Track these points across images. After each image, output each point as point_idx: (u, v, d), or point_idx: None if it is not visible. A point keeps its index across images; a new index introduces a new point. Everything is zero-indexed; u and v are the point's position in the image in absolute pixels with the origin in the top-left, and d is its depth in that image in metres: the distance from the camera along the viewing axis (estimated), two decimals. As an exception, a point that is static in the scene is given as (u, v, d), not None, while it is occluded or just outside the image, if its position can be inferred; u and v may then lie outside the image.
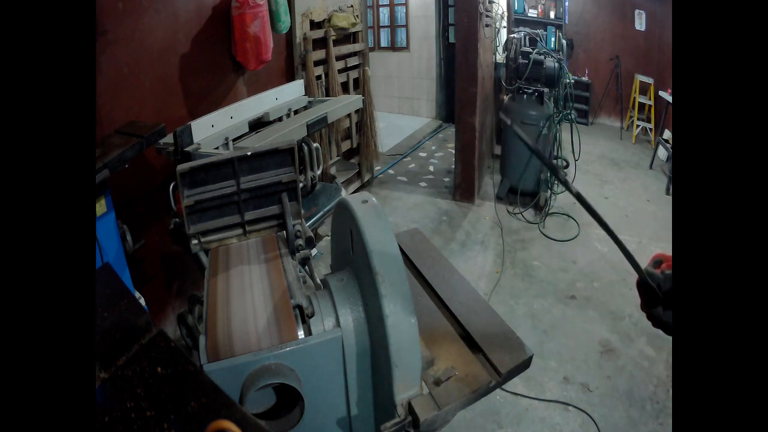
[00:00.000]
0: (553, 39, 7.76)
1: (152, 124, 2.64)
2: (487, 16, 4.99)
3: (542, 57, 4.86)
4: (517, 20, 7.41)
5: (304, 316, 1.21)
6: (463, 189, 4.86)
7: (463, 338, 1.39)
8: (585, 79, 7.97)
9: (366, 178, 5.27)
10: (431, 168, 5.98)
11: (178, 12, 3.13)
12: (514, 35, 5.31)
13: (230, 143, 2.49)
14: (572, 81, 5.13)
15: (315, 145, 2.65)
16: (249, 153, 1.50)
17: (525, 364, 1.30)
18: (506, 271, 3.88)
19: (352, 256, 1.39)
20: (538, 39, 5.43)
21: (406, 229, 4.41)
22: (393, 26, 8.30)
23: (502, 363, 1.26)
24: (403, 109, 8.16)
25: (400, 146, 6.65)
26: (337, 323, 1.25)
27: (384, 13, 8.34)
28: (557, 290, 3.69)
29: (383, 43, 8.42)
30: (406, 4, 8.04)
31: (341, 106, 2.93)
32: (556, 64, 4.82)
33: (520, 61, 4.94)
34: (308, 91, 4.06)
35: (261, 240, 1.57)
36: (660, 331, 1.05)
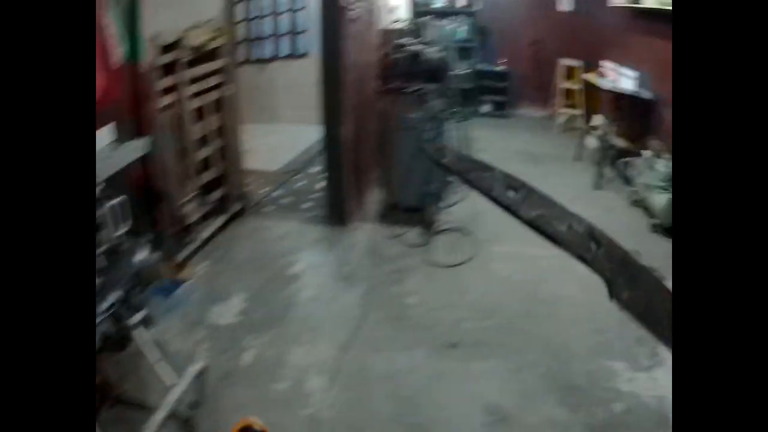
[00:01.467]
0: (464, 28, 7.16)
1: None
2: (351, 9, 4.26)
3: (420, 49, 4.16)
4: (421, 12, 6.79)
5: None
6: (334, 212, 4.10)
7: None
8: (501, 68, 7.34)
9: (235, 209, 4.49)
10: (320, 185, 5.23)
11: None
12: (390, 27, 4.63)
13: None
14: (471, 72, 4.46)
15: (111, 203, 2.23)
16: None
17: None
18: (371, 315, 3.12)
19: None
20: (420, 28, 4.75)
21: (264, 268, 3.78)
22: (294, 33, 7.62)
23: None
24: (307, 119, 7.45)
25: (295, 162, 5.89)
26: None
27: (284, 21, 7.66)
28: (435, 336, 2.92)
29: (286, 51, 7.72)
30: (305, 10, 7.35)
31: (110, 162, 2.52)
32: (438, 56, 4.12)
33: (397, 56, 4.23)
34: (148, 127, 3.36)
35: None
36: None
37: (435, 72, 4.06)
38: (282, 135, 6.31)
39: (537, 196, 1.75)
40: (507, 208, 1.68)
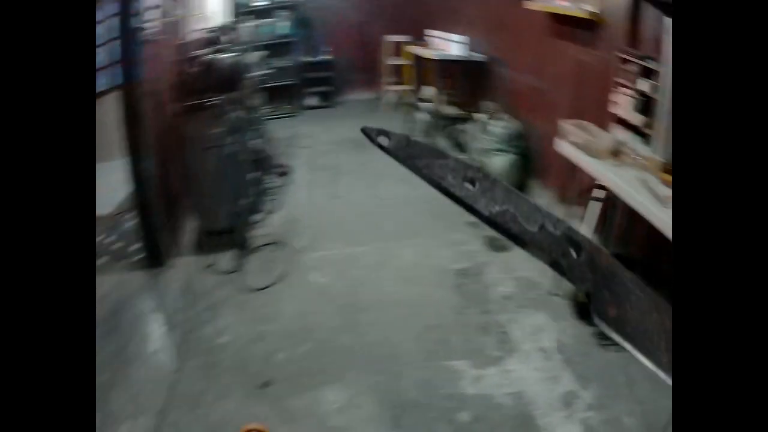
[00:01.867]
0: (284, 23, 6.86)
1: None
2: (145, 29, 3.86)
3: (211, 58, 3.81)
4: (243, 13, 6.43)
5: None
6: (150, 252, 3.69)
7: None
8: (325, 57, 7.13)
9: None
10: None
11: None
12: (193, 38, 4.25)
13: None
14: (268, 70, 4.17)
15: None
16: None
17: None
18: (186, 366, 2.80)
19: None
20: (225, 33, 4.39)
21: None
22: (128, 58, 7.07)
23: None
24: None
25: (128, 199, 5.41)
26: None
27: (118, 47, 7.08)
28: (246, 378, 2.63)
29: (120, 80, 7.14)
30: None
31: None
32: (230, 62, 3.79)
33: (190, 70, 3.88)
34: None
35: None
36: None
37: (229, 79, 3.73)
38: (117, 172, 5.82)
39: (501, 189, 1.40)
40: (462, 202, 1.35)
